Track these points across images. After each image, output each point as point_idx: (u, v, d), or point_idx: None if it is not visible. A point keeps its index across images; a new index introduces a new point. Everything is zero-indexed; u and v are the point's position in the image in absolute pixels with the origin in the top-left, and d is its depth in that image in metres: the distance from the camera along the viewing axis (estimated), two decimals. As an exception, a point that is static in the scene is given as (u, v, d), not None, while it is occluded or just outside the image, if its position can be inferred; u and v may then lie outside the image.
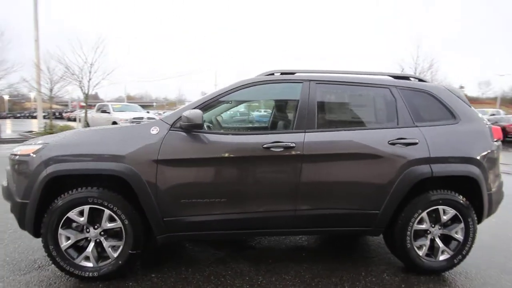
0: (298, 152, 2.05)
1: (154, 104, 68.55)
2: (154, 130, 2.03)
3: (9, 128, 17.39)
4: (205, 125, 2.28)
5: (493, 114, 17.57)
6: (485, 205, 2.28)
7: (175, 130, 2.04)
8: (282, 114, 2.79)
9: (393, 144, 2.15)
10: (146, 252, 2.28)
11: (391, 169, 2.13)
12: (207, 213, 2.05)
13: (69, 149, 1.99)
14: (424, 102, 2.35)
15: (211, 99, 2.16)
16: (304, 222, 2.16)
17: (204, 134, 2.05)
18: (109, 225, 2.01)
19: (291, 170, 2.07)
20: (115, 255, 2.02)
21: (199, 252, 2.55)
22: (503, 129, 11.45)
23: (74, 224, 2.01)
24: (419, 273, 2.26)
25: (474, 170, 2.20)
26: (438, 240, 2.26)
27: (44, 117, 13.32)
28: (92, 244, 2.01)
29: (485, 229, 2.65)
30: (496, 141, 2.36)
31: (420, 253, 2.24)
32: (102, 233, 2.02)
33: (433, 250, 2.26)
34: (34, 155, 1.98)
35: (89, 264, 2.01)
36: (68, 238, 1.99)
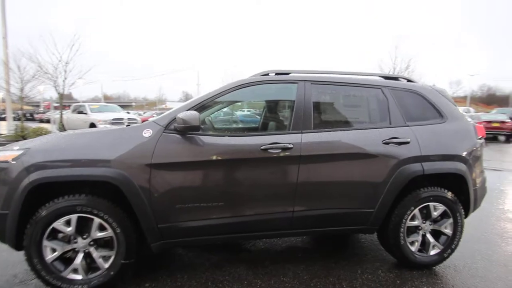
0: (296, 153, 2.04)
1: (133, 104, 66.44)
2: (147, 133, 1.94)
3: (-26, 131, 16.17)
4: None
5: (464, 112, 18.57)
6: (471, 200, 2.39)
7: (169, 133, 1.96)
8: (276, 115, 2.76)
9: (387, 143, 2.19)
10: (139, 260, 2.18)
11: (385, 168, 2.18)
12: (204, 218, 1.99)
13: (54, 154, 1.86)
14: (414, 102, 2.42)
15: (206, 99, 2.10)
16: (302, 223, 2.15)
17: (199, 136, 1.99)
18: (99, 234, 1.90)
19: (289, 172, 2.05)
20: (106, 265, 1.91)
21: (193, 257, 2.48)
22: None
23: (60, 235, 1.87)
24: (411, 268, 2.32)
25: (461, 167, 2.30)
26: (429, 236, 2.34)
27: (14, 118, 12.47)
28: (80, 255, 1.89)
29: (468, 223, 2.78)
30: (480, 138, 2.48)
31: (413, 249, 2.30)
32: (91, 243, 1.90)
33: (424, 245, 2.34)
34: (14, 162, 1.83)
35: (78, 277, 1.88)
36: (54, 250, 1.85)
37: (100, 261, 1.90)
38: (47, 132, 9.84)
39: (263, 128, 2.93)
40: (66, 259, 1.89)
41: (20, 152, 1.86)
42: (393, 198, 2.21)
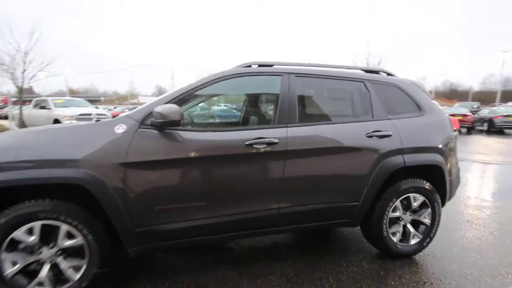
0: (282, 148, 1.97)
1: (102, 98, 62.90)
2: (120, 129, 1.76)
3: None
4: None
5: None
6: (448, 190, 2.49)
7: (146, 128, 1.79)
8: (259, 108, 2.67)
9: (370, 136, 2.20)
10: (115, 267, 2.01)
11: (369, 161, 2.19)
12: (186, 219, 1.87)
13: (11, 154, 1.63)
14: (394, 96, 2.45)
15: (186, 92, 1.95)
16: (288, 219, 2.10)
17: (179, 131, 1.85)
18: (68, 243, 1.71)
19: (275, 167, 1.98)
20: (77, 276, 1.73)
21: (174, 260, 2.35)
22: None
23: (21, 245, 1.66)
24: (394, 258, 2.38)
25: (439, 158, 2.37)
26: (409, 226, 2.41)
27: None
28: (46, 267, 1.69)
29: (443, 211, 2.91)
30: (454, 130, 2.58)
31: (395, 239, 2.35)
32: (58, 252, 1.71)
33: (405, 235, 2.40)
34: None
35: (45, 291, 1.68)
36: (15, 263, 1.64)
37: (69, 272, 1.72)
38: (4, 130, 8.98)
39: (244, 123, 2.83)
40: (30, 272, 1.69)
41: None
42: (376, 191, 2.23)
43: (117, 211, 1.72)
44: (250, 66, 2.19)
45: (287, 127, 2.03)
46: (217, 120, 3.39)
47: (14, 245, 1.63)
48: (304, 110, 2.21)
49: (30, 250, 1.68)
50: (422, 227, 2.44)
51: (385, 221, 2.29)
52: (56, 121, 10.00)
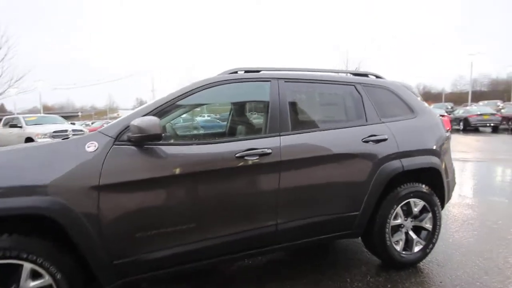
0: (276, 159, 1.81)
1: (80, 113, 60.68)
2: (91, 146, 1.54)
3: None
4: None
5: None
6: (446, 192, 2.42)
7: (122, 145, 1.58)
8: (247, 117, 2.51)
9: (366, 142, 2.09)
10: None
11: (367, 168, 2.07)
12: (173, 244, 1.65)
13: None
14: (385, 98, 2.37)
15: (166, 103, 1.76)
16: (287, 236, 1.93)
17: (161, 146, 1.65)
18: (33, 284, 1.44)
19: (270, 180, 1.82)
20: (45, 323, 1.46)
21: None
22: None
23: (-27, 293, 1.38)
24: (398, 268, 2.25)
25: (436, 160, 2.30)
26: (411, 233, 2.30)
27: None
28: (7, 315, 1.41)
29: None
30: (447, 131, 2.54)
31: (398, 248, 2.23)
32: (21, 296, 1.43)
33: (407, 243, 2.29)
34: None
35: None
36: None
37: (35, 318, 1.44)
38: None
39: (232, 133, 2.65)
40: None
41: None
42: (376, 199, 2.11)
43: (90, 242, 1.48)
44: (236, 72, 2.04)
45: (279, 135, 1.88)
46: (202, 132, 3.17)
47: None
48: (297, 117, 2.07)
49: (-15, 296, 1.40)
50: (424, 233, 2.33)
51: (387, 230, 2.17)
52: (29, 139, 9.37)
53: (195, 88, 1.82)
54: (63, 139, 1.76)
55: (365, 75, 2.51)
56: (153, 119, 1.55)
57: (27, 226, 1.47)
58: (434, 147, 2.32)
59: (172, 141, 1.93)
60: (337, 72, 2.40)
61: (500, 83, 49.32)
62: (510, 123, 14.36)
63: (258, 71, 2.08)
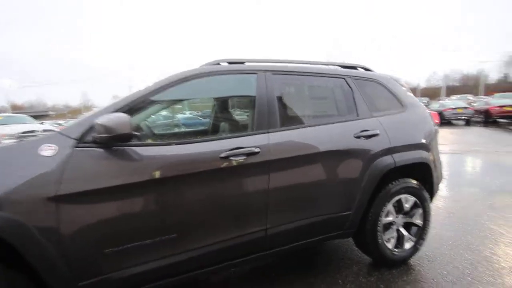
0: (265, 158, 1.67)
1: (51, 113, 57.42)
2: (48, 150, 1.31)
3: None
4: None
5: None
6: (435, 187, 2.39)
7: (86, 147, 1.37)
8: (231, 113, 2.33)
9: (358, 137, 2.00)
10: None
11: (359, 165, 1.98)
12: (151, 258, 1.47)
13: None
14: (375, 92, 2.29)
15: (139, 98, 1.55)
16: (277, 241, 1.80)
17: (134, 147, 1.45)
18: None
19: (258, 181, 1.67)
20: None
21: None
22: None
23: None
24: (389, 266, 2.20)
25: (426, 155, 2.26)
26: (402, 230, 2.25)
27: None
28: None
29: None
30: (435, 125, 2.50)
31: (390, 246, 2.18)
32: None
33: (399, 240, 2.24)
34: None
35: None
36: None
37: None
38: None
39: (215, 131, 2.46)
40: None
41: None
42: (369, 196, 2.04)
43: (48, 262, 1.27)
44: (218, 64, 1.86)
45: (268, 132, 1.74)
46: (183, 130, 2.92)
47: None
48: (286, 112, 1.93)
49: None
50: (414, 229, 2.29)
51: (379, 228, 2.10)
52: (-8, 141, 8.63)
53: (173, 82, 1.63)
54: (16, 140, 1.51)
55: (354, 67, 2.42)
56: (122, 116, 1.35)
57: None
58: (424, 142, 2.28)
59: (147, 141, 1.73)
60: (326, 64, 2.28)
61: (470, 78, 52.07)
62: (481, 116, 15.11)
63: (242, 63, 1.91)
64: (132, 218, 1.42)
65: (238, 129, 2.17)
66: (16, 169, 1.25)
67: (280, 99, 1.88)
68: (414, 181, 2.24)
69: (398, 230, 2.23)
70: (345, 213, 1.98)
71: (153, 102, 1.71)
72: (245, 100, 2.11)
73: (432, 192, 2.39)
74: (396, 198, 2.17)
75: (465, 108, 15.40)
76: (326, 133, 1.91)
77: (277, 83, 1.89)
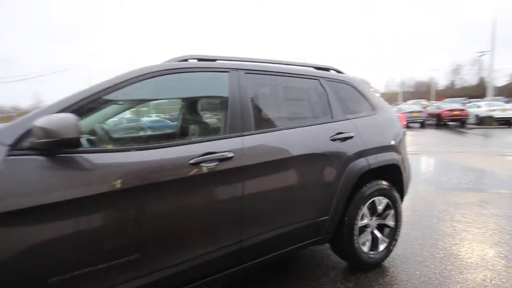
0: (239, 164, 1.53)
1: (-4, 115, 51.36)
2: None
3: None
4: (84, 140, 1.44)
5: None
6: (405, 188, 2.44)
7: (22, 155, 1.12)
8: (201, 115, 2.16)
9: (334, 140, 1.95)
10: None
11: (336, 168, 1.93)
12: (110, 284, 1.25)
13: None
14: (348, 94, 2.28)
15: (89, 96, 1.32)
16: (253, 253, 1.66)
17: (85, 155, 1.23)
18: None
19: (232, 189, 1.53)
20: None
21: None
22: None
23: None
24: (365, 270, 2.18)
25: (397, 157, 2.29)
26: (376, 232, 2.25)
27: None
28: None
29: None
30: (403, 127, 2.57)
31: (365, 249, 2.16)
32: None
33: (373, 242, 2.23)
34: None
35: None
36: None
37: None
38: None
39: (183, 135, 2.27)
40: None
41: None
42: (345, 200, 2.00)
43: None
44: (186, 60, 1.70)
45: (242, 136, 1.61)
46: (146, 134, 2.62)
47: None
48: (261, 114, 1.81)
49: None
50: (387, 230, 2.31)
51: (355, 231, 2.07)
52: None
53: (132, 78, 1.42)
54: None
55: (327, 69, 2.39)
56: (67, 117, 1.12)
57: None
58: (395, 143, 2.31)
59: (103, 146, 1.50)
60: (299, 65, 2.21)
61: (422, 84, 56.98)
62: (434, 119, 16.50)
63: (214, 60, 1.76)
64: (84, 239, 1.19)
65: (209, 132, 2.00)
66: None
67: (254, 100, 1.76)
68: (386, 183, 2.26)
69: (372, 233, 2.23)
70: (322, 218, 1.92)
71: (109, 102, 1.48)
72: (217, 101, 1.95)
73: (402, 193, 2.44)
74: (370, 200, 2.16)
75: (420, 112, 16.71)
76: (303, 136, 1.83)
77: (250, 83, 1.77)
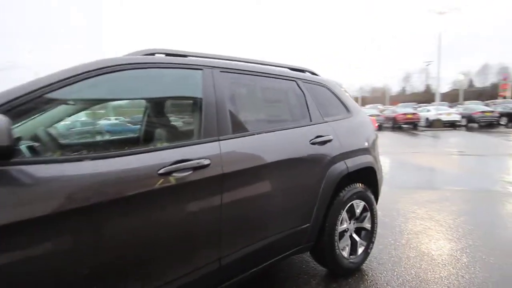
0: (217, 172, 1.36)
1: None
2: None
3: None
4: (23, 147, 1.17)
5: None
6: (379, 190, 2.46)
7: None
8: (168, 118, 1.94)
9: (314, 143, 1.87)
10: None
11: (316, 173, 1.85)
12: None
13: None
14: (325, 96, 2.24)
15: (27, 94, 1.05)
16: (233, 270, 1.50)
17: (23, 166, 0.97)
18: None
19: (209, 201, 1.35)
20: None
21: None
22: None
23: None
24: (345, 276, 2.13)
25: (371, 159, 2.30)
26: (355, 235, 2.22)
27: None
28: None
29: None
30: (375, 129, 2.60)
31: (345, 254, 2.11)
32: None
33: (352, 246, 2.20)
34: None
35: None
36: None
37: None
38: None
39: (149, 140, 1.99)
40: None
41: None
42: (326, 205, 1.92)
43: None
44: (153, 54, 1.49)
45: (219, 140, 1.44)
46: (106, 139, 2.24)
47: None
48: (238, 117, 1.65)
49: None
50: (363, 233, 2.30)
51: (336, 237, 2.01)
52: None
53: (84, 73, 1.18)
54: None
55: (302, 70, 2.33)
56: None
57: None
58: (369, 146, 2.32)
59: (49, 156, 1.23)
60: (275, 65, 2.11)
61: (378, 90, 61.51)
62: (390, 122, 17.76)
63: (185, 56, 1.57)
64: (21, 275, 0.93)
65: (181, 137, 1.79)
66: None
67: (231, 100, 1.60)
68: (362, 185, 2.25)
69: (351, 237, 2.20)
70: (304, 226, 1.82)
71: (55, 101, 1.22)
72: (188, 101, 1.74)
73: (377, 194, 2.46)
74: (349, 204, 2.12)
75: (378, 115, 17.88)
76: (283, 139, 1.72)
77: (226, 82, 1.61)
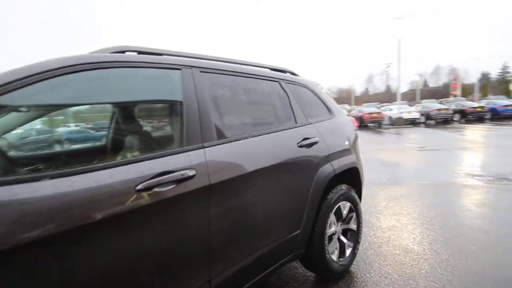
0: (203, 183, 1.22)
1: None
2: None
3: None
4: None
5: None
6: (362, 190, 2.47)
7: None
8: (140, 124, 1.73)
9: (301, 146, 1.80)
10: None
11: (305, 176, 1.78)
12: None
13: None
14: (307, 97, 2.19)
15: None
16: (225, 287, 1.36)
17: None
18: None
19: (196, 217, 1.20)
20: None
21: None
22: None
23: None
24: (335, 279, 2.08)
25: (355, 159, 2.29)
26: (343, 238, 2.19)
27: None
28: None
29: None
30: (355, 129, 2.62)
31: (335, 258, 2.07)
32: None
33: (341, 249, 2.16)
34: None
35: None
36: None
37: None
38: None
39: (118, 149, 1.75)
40: None
41: None
42: (316, 209, 1.86)
43: None
44: (123, 52, 1.30)
45: (203, 147, 1.30)
46: (67, 149, 1.92)
47: None
48: (223, 121, 1.51)
49: None
50: (349, 234, 2.28)
51: (326, 242, 1.95)
52: None
53: (39, 73, 0.98)
54: None
55: (283, 71, 2.26)
56: None
57: None
58: (351, 147, 2.31)
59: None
60: (256, 65, 2.01)
61: (344, 91, 64.45)
62: (357, 121, 18.60)
63: (160, 54, 1.41)
64: None
65: (159, 145, 1.61)
66: None
67: (214, 103, 1.47)
68: (347, 186, 2.23)
69: (339, 239, 2.16)
70: (294, 233, 1.73)
71: (2, 108, 1.00)
72: (166, 105, 1.56)
73: (360, 194, 2.46)
74: (336, 206, 2.09)
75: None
76: (271, 143, 1.62)
77: (208, 84, 1.47)
